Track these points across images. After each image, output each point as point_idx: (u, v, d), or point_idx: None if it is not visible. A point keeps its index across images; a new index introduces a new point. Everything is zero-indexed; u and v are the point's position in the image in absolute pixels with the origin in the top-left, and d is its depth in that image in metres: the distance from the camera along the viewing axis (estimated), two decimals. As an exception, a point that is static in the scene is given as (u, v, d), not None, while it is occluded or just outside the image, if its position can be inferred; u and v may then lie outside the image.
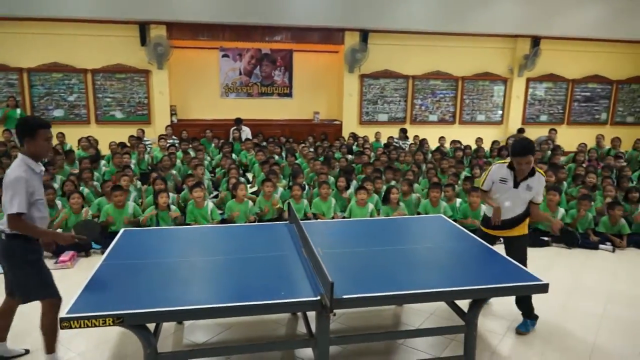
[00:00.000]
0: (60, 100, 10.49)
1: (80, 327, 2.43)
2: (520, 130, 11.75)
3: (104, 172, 7.52)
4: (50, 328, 3.19)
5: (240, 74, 11.88)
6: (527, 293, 3.12)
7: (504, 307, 4.19)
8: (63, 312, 2.45)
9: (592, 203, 6.34)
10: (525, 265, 3.56)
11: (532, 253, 3.99)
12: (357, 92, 11.91)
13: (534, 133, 11.85)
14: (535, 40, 11.95)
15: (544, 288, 2.93)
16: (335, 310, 2.60)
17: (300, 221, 3.72)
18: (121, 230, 3.85)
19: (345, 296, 2.64)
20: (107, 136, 9.82)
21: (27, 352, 3.51)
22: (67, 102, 10.52)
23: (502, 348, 3.67)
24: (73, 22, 10.05)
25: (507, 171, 3.81)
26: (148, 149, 9.15)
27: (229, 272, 3.09)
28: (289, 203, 4.39)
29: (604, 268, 5.36)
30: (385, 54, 11.67)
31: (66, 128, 9.88)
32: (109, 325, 2.47)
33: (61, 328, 2.41)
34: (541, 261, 5.17)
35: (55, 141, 9.13)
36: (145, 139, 9.79)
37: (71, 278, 4.88)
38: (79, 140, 9.08)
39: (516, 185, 3.77)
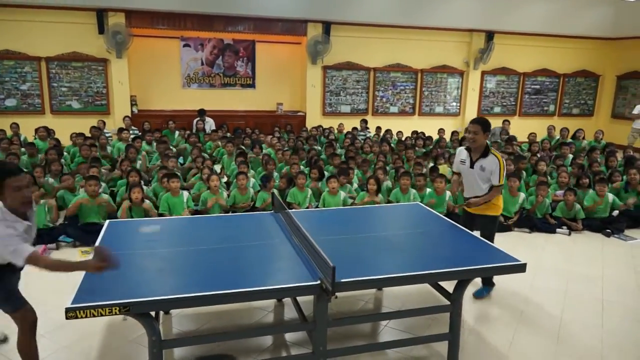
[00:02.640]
0: (12, 89, 10.01)
1: (86, 316, 2.43)
2: (476, 122, 12.19)
3: (67, 163, 7.29)
4: (24, 346, 2.97)
5: (202, 64, 11.72)
6: (507, 273, 3.35)
7: (474, 285, 4.46)
8: (67, 303, 2.43)
9: (549, 189, 6.76)
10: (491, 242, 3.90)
11: (496, 237, 4.28)
12: (320, 83, 12.02)
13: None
14: (490, 35, 12.43)
15: (522, 268, 3.16)
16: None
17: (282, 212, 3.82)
18: (106, 222, 3.81)
19: (343, 280, 2.76)
20: (64, 127, 9.51)
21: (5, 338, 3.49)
22: (19, 91, 10.06)
23: (479, 325, 3.92)
24: (27, 8, 9.59)
25: (466, 153, 4.25)
26: (109, 140, 8.91)
27: (223, 260, 3.14)
28: (272, 193, 4.46)
29: (562, 250, 5.76)
30: (347, 46, 11.83)
31: (20, 118, 9.48)
32: (115, 314, 2.49)
33: (67, 318, 2.40)
34: (505, 245, 5.43)
35: (9, 132, 8.75)
36: (105, 130, 9.52)
37: (44, 271, 4.77)
38: (36, 130, 8.73)
39: (472, 165, 4.17)
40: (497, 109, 13.38)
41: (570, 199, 6.41)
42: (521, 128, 12.26)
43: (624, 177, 7.12)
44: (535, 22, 12.06)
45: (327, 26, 11.40)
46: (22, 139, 8.56)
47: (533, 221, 6.34)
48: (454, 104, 13.13)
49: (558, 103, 13.78)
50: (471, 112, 13.00)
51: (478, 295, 4.36)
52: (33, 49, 9.97)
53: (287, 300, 4.14)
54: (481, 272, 3.28)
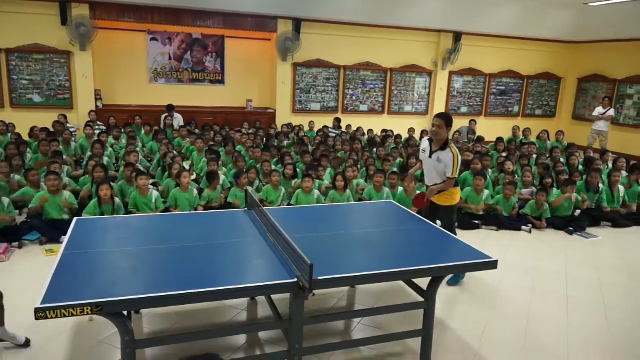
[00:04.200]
0: (-31, 82, 9.58)
1: (57, 317, 2.34)
2: (444, 121, 12.41)
3: (29, 158, 7.02)
4: None
5: (170, 59, 11.50)
6: (479, 270, 3.42)
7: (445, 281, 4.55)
8: (37, 303, 2.34)
9: (516, 189, 6.94)
10: (452, 232, 4.16)
11: (465, 235, 4.40)
12: (290, 80, 11.97)
13: (456, 124, 12.45)
14: (457, 36, 12.66)
15: (493, 265, 3.23)
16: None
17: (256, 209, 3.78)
18: (75, 220, 3.68)
19: (320, 277, 2.75)
20: (25, 121, 9.16)
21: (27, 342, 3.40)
22: (-23, 83, 9.63)
23: (450, 320, 3.99)
24: (-17, -3, 9.20)
25: (427, 143, 4.55)
26: (73, 136, 8.65)
27: (197, 258, 3.08)
28: (246, 190, 4.41)
29: (528, 247, 5.93)
30: (317, 43, 11.82)
31: (-23, 112, 9.08)
32: (87, 314, 2.41)
33: (36, 319, 2.31)
34: (474, 242, 5.56)
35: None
36: (69, 124, 9.22)
37: (11, 270, 4.63)
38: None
39: (430, 155, 4.46)
40: (464, 109, 13.64)
41: (541, 199, 6.62)
42: (487, 128, 12.57)
43: (584, 177, 7.39)
44: (501, 24, 12.34)
45: (297, 23, 11.36)
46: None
47: (500, 219, 6.50)
48: (423, 103, 13.32)
49: (522, 104, 14.16)
50: (439, 111, 13.14)
51: (452, 282, 4.57)
52: (-9, 40, 9.57)
53: (260, 298, 4.12)
54: (454, 269, 3.34)
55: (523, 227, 6.49)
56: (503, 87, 13.86)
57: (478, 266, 3.30)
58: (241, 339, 3.58)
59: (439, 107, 13.25)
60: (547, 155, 8.88)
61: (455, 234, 4.21)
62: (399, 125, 11.85)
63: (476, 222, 6.43)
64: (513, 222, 6.55)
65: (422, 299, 3.36)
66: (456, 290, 4.52)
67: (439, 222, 4.50)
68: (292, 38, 11.34)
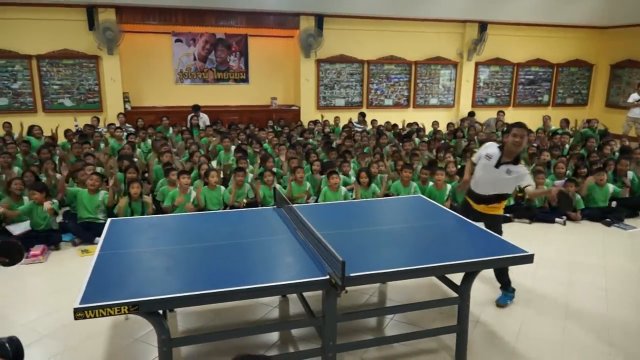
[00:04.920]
0: (3, 88, 9.85)
1: (95, 316, 2.38)
2: (471, 114, 12.23)
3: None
4: None
5: (195, 59, 11.61)
6: (515, 264, 3.35)
7: (480, 279, 4.45)
8: (76, 303, 2.39)
9: (547, 179, 6.77)
10: None
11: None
12: (313, 77, 11.95)
13: (483, 115, 12.38)
14: (483, 26, 12.41)
15: (529, 259, 3.15)
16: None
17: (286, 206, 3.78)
18: (109, 220, 3.75)
19: (352, 274, 2.73)
20: (56, 125, 9.36)
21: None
22: (11, 89, 9.90)
23: (485, 316, 3.92)
24: (15, 6, 9.43)
25: (497, 150, 4.00)
26: (103, 137, 8.82)
27: (229, 256, 3.10)
28: (275, 188, 4.42)
29: (564, 240, 5.78)
30: (340, 38, 11.75)
31: (12, 117, 9.33)
32: (124, 313, 2.45)
33: (75, 319, 2.36)
34: (506, 235, 5.48)
35: (1, 131, 8.64)
36: (99, 127, 9.42)
37: (46, 271, 4.75)
38: (30, 128, 8.62)
39: (497, 165, 3.95)
40: (491, 100, 13.38)
41: (571, 189, 6.42)
42: (515, 119, 12.17)
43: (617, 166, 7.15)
44: (528, 12, 12.03)
45: (319, 19, 11.32)
46: (15, 137, 8.45)
47: (533, 212, 6.35)
48: (448, 95, 13.12)
49: (552, 93, 13.80)
50: (465, 104, 13.00)
51: (502, 302, 4.12)
52: (23, 47, 9.82)
53: (291, 296, 4.12)
54: (489, 263, 3.26)
55: (557, 219, 6.33)
56: (532, 76, 13.54)
57: (513, 260, 3.22)
58: (274, 335, 3.59)
59: (466, 99, 13.05)
60: (581, 145, 8.63)
61: None
62: (425, 119, 11.68)
63: (507, 214, 6.29)
64: (546, 214, 6.39)
65: (455, 295, 3.30)
66: (490, 285, 4.42)
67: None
68: (314, 34, 11.31)
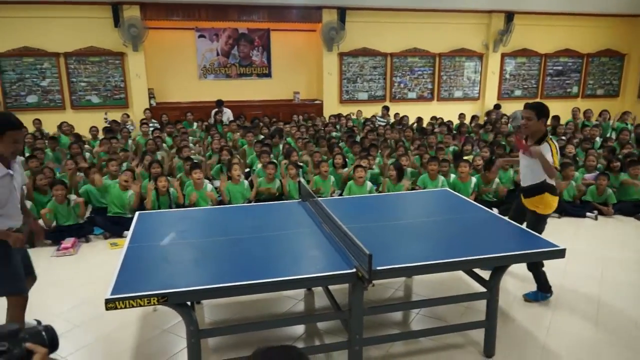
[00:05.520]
0: (33, 86, 10.09)
1: (125, 307, 2.42)
2: (497, 107, 12.02)
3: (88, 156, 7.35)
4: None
5: (218, 54, 11.67)
6: (545, 259, 3.28)
7: (510, 274, 4.37)
8: (107, 294, 2.43)
9: (576, 173, 6.61)
10: None
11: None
12: (336, 70, 11.89)
13: (510, 108, 12.15)
14: (509, 16, 12.15)
15: (561, 253, 3.07)
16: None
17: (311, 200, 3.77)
18: (137, 214, 3.81)
19: (379, 267, 2.70)
20: (84, 121, 9.57)
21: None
22: (40, 87, 10.13)
23: (514, 312, 3.85)
24: (42, 4, 9.63)
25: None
26: (131, 133, 8.97)
27: (256, 249, 3.11)
28: (299, 182, 4.42)
29: (595, 235, 5.64)
30: (363, 31, 11.66)
31: (41, 114, 9.56)
32: (154, 304, 2.47)
33: (107, 309, 2.40)
34: (535, 229, 5.40)
35: (31, 128, 8.84)
36: (127, 123, 9.57)
37: (77, 264, 4.86)
38: (59, 126, 8.81)
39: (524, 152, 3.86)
40: (517, 92, 13.11)
41: (602, 183, 6.27)
42: (543, 111, 11.98)
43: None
44: (556, 0, 11.73)
45: (342, 12, 11.24)
46: (46, 133, 8.66)
47: (562, 205, 6.20)
48: (474, 88, 12.90)
49: (582, 84, 13.44)
50: (491, 96, 12.78)
51: (531, 297, 4.02)
52: (51, 45, 10.02)
53: (317, 289, 4.11)
54: (519, 258, 3.19)
55: (588, 214, 6.17)
56: (560, 67, 13.21)
57: (544, 255, 3.16)
58: (299, 328, 3.59)
59: (491, 91, 12.82)
60: (615, 138, 8.39)
61: None
62: (449, 112, 11.54)
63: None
64: (576, 208, 6.24)
65: (484, 289, 3.25)
66: (519, 280, 4.34)
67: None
68: (337, 27, 11.25)
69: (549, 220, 4.00)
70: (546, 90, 13.26)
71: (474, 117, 10.50)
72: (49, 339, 1.06)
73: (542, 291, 4.03)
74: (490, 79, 12.77)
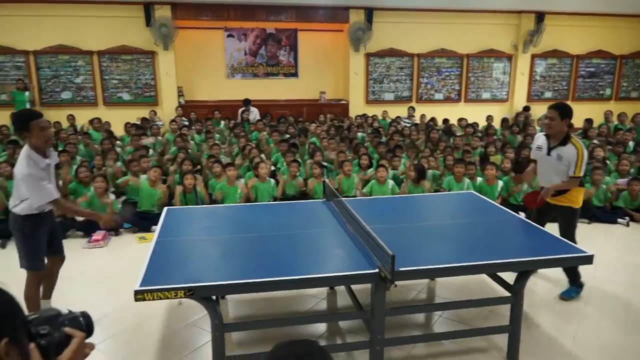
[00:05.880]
0: (67, 83, 10.40)
1: (153, 299, 2.50)
2: (526, 108, 11.82)
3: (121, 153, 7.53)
4: (31, 299, 3.40)
5: (246, 54, 11.80)
6: (572, 264, 3.24)
7: (537, 279, 4.32)
8: (136, 286, 2.50)
9: (607, 177, 6.46)
10: (571, 239, 3.65)
11: (552, 227, 4.07)
12: (363, 71, 11.89)
13: (540, 110, 11.90)
14: (540, 16, 11.93)
15: (588, 259, 3.03)
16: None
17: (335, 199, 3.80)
18: (165, 209, 3.90)
19: (402, 269, 2.71)
20: (116, 118, 9.80)
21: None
22: (74, 84, 10.43)
23: (540, 317, 3.80)
24: (78, 4, 9.91)
25: (544, 139, 3.98)
26: (160, 130, 9.15)
27: (280, 247, 3.15)
28: (324, 181, 4.45)
29: (625, 242, 5.52)
30: (390, 32, 11.62)
31: (75, 110, 9.85)
32: (180, 297, 2.55)
33: (135, 300, 2.47)
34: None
35: (65, 123, 9.11)
36: (156, 120, 9.77)
37: (106, 256, 5.01)
38: (91, 121, 9.06)
39: (548, 152, 3.89)
40: (548, 94, 12.86)
41: (635, 188, 6.11)
42: (575, 113, 11.68)
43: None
44: (589, 1, 11.46)
45: (369, 12, 11.23)
46: (78, 129, 8.92)
47: (592, 211, 6.08)
48: (502, 89, 12.72)
49: (615, 86, 13.09)
50: (520, 98, 12.57)
51: (566, 296, 4.05)
52: (85, 43, 10.30)
53: (339, 288, 4.14)
54: (545, 263, 3.16)
55: (619, 220, 6.03)
56: (593, 69, 12.89)
57: (571, 260, 3.12)
58: (322, 327, 3.63)
59: (520, 92, 12.61)
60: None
61: (576, 242, 3.58)
62: (477, 113, 11.40)
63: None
64: (607, 214, 6.10)
65: (508, 294, 3.22)
66: (545, 286, 4.28)
67: (547, 226, 3.88)
68: (364, 28, 11.24)
69: (578, 225, 3.95)
70: (578, 92, 12.97)
71: (503, 120, 10.33)
72: (86, 325, 1.12)
73: (574, 285, 4.04)
74: (520, 81, 12.56)
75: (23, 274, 3.41)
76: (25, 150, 3.18)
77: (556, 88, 12.87)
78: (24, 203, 3.22)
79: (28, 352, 0.98)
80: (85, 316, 1.13)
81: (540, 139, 4.02)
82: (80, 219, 5.41)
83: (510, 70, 12.58)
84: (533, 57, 12.47)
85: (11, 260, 3.64)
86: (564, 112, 3.78)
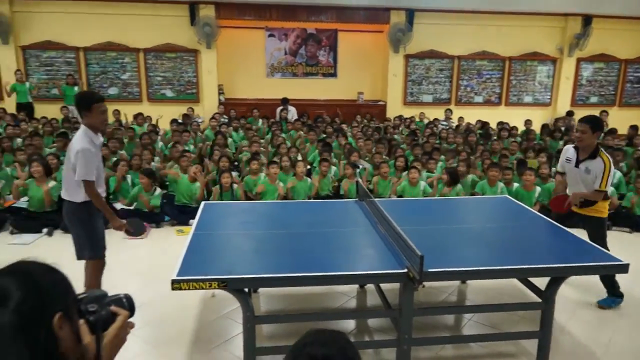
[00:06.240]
0: (114, 79, 10.84)
1: (188, 289, 2.62)
2: (569, 113, 11.51)
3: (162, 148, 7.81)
4: (93, 286, 3.49)
5: (286, 53, 11.97)
6: (607, 272, 3.19)
7: (571, 286, 4.25)
8: (173, 275, 2.63)
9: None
10: (605, 248, 3.60)
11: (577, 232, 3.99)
12: (401, 72, 11.85)
13: (583, 114, 11.55)
14: (587, 19, 11.58)
15: (623, 268, 2.97)
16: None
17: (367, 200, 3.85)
18: (202, 204, 4.05)
19: (430, 269, 2.74)
20: (158, 113, 10.10)
21: None
22: (121, 80, 10.86)
23: (572, 325, 3.74)
24: (126, 2, 10.30)
25: (573, 151, 3.98)
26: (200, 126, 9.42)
27: (312, 244, 3.23)
28: (357, 182, 4.51)
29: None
30: (431, 33, 11.55)
31: (120, 105, 10.21)
32: (214, 288, 2.66)
33: (172, 289, 2.60)
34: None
35: (111, 118, 9.49)
36: (195, 117, 10.05)
37: (145, 247, 5.21)
38: (135, 117, 9.41)
39: (577, 164, 3.92)
40: (593, 99, 12.48)
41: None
42: (621, 119, 11.34)
43: None
44: (637, 4, 11.05)
45: (410, 13, 11.18)
46: (124, 123, 9.29)
47: (634, 219, 5.89)
48: (545, 93, 12.41)
49: (664, 92, 12.60)
50: (564, 102, 12.24)
51: (603, 304, 4.03)
52: (132, 40, 10.70)
53: (369, 287, 4.19)
54: (577, 270, 3.13)
55: (664, 230, 5.83)
56: (641, 74, 12.43)
57: (605, 268, 3.07)
58: (351, 324, 3.69)
59: (564, 97, 12.28)
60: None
61: (608, 249, 3.54)
62: (518, 117, 11.15)
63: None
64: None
65: (539, 300, 3.20)
66: (579, 294, 4.20)
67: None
68: (404, 29, 11.20)
69: (618, 235, 3.89)
70: (625, 98, 12.53)
71: (544, 126, 10.05)
72: (128, 305, 1.22)
73: (614, 296, 3.98)
74: (564, 85, 12.24)
75: (69, 263, 3.54)
76: (82, 128, 3.37)
77: (602, 93, 12.47)
78: (79, 190, 3.35)
79: (78, 327, 1.09)
80: (128, 298, 1.23)
81: (569, 151, 4.04)
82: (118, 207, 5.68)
83: (554, 74, 12.27)
84: (579, 60, 12.14)
85: (58, 251, 3.80)
86: (596, 125, 3.81)
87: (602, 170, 3.75)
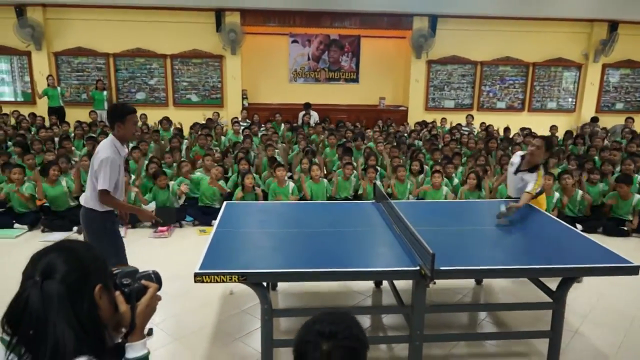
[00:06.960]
0: (142, 84, 11.18)
1: (210, 282, 2.77)
2: (594, 119, 11.38)
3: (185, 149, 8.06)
4: None
5: (309, 59, 12.15)
6: (616, 274, 3.22)
7: (583, 288, 4.27)
8: (196, 269, 2.79)
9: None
10: None
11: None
12: (423, 77, 11.90)
13: (609, 121, 11.46)
14: (613, 25, 11.45)
15: (634, 270, 3.01)
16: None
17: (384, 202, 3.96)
18: (225, 203, 4.22)
19: (443, 268, 2.84)
20: (184, 118, 10.40)
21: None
22: (148, 85, 11.20)
23: (585, 326, 3.77)
24: (154, 10, 10.62)
25: (519, 159, 4.36)
26: (224, 130, 9.65)
27: (329, 242, 3.36)
28: (375, 184, 4.62)
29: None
30: (453, 39, 11.57)
31: (147, 110, 10.52)
32: (234, 281, 2.81)
33: (195, 282, 2.76)
34: (620, 251, 5.13)
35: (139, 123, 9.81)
36: (220, 121, 10.30)
37: (170, 245, 5.41)
38: (160, 122, 9.71)
39: (515, 172, 4.31)
40: (619, 105, 12.30)
41: None
42: (647, 126, 11.19)
43: None
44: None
45: (433, 19, 11.24)
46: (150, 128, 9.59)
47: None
48: (569, 99, 12.30)
49: (693, 99, 12.34)
50: (588, 108, 12.09)
51: None
52: (160, 47, 11.03)
53: (385, 288, 4.29)
54: (587, 271, 3.18)
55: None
56: (669, 80, 12.20)
57: (615, 270, 3.11)
58: (365, 321, 3.79)
59: (589, 103, 12.13)
60: None
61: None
62: (541, 123, 11.09)
63: (625, 228, 5.87)
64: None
65: (550, 300, 3.26)
66: (592, 294, 4.22)
67: None
68: (426, 35, 11.26)
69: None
70: (652, 105, 12.32)
71: (567, 133, 9.97)
72: (157, 280, 1.40)
73: None
74: (589, 91, 12.10)
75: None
76: (110, 138, 3.42)
77: (628, 99, 12.29)
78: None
79: (115, 298, 1.26)
80: (156, 273, 1.40)
81: (516, 158, 4.41)
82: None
83: (578, 80, 12.15)
84: (604, 66, 11.99)
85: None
86: (549, 145, 4.24)
87: (534, 178, 4.11)
